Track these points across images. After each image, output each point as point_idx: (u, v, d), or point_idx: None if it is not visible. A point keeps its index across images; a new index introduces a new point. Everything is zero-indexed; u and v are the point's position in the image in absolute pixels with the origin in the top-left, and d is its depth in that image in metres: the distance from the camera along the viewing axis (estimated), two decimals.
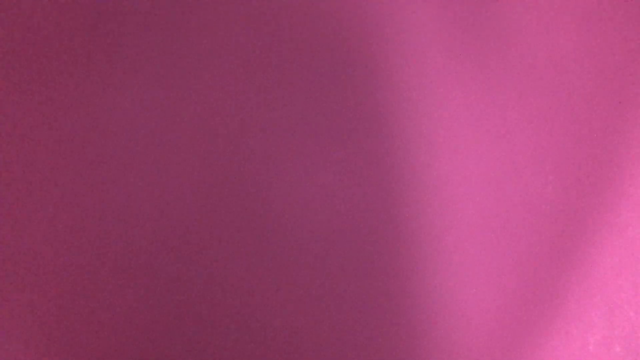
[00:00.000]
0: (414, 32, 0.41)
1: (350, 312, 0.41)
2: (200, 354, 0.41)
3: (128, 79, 0.42)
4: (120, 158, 0.42)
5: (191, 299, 0.41)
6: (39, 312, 0.41)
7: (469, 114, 0.40)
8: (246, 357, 0.41)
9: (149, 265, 0.41)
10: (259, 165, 0.41)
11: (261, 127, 0.41)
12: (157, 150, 0.42)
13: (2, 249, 0.41)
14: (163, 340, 0.41)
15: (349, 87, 0.41)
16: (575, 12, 0.40)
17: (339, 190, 0.41)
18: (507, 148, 0.40)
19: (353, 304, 0.41)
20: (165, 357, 0.41)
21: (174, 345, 0.41)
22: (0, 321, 0.39)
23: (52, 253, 0.41)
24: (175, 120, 0.42)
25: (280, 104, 0.41)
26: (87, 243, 0.41)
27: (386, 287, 0.40)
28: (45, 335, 0.40)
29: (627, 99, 0.40)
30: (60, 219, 0.41)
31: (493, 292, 0.40)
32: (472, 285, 0.40)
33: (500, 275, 0.40)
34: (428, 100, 0.41)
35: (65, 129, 0.41)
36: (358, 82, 0.41)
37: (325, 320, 0.41)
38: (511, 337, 0.39)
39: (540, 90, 0.40)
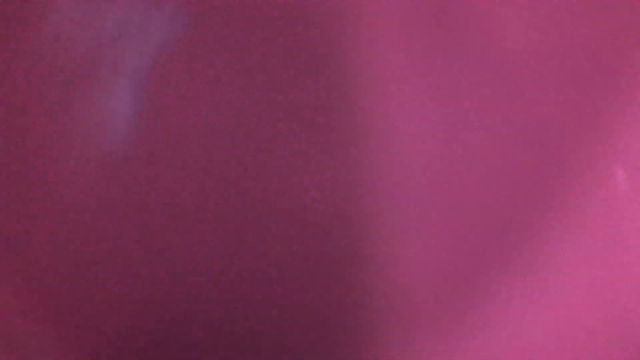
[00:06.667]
0: (380, 21, 0.41)
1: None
2: (200, 353, 0.42)
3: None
4: (121, 157, 0.42)
5: (187, 299, 0.42)
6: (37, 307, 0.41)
7: (430, 104, 0.41)
8: (241, 354, 0.41)
9: (148, 264, 0.42)
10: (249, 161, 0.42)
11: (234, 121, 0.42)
12: (153, 150, 0.43)
13: (1, 246, 0.41)
14: (163, 339, 0.42)
15: (314, 79, 0.41)
16: (549, 5, 0.41)
17: (298, 180, 0.41)
18: (464, 141, 0.41)
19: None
20: (165, 355, 0.42)
21: (174, 344, 0.42)
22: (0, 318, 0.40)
23: (52, 251, 0.42)
24: (173, 120, 0.42)
25: (249, 96, 0.42)
26: (88, 241, 0.42)
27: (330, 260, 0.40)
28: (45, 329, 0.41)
29: (596, 92, 0.40)
30: (61, 217, 0.42)
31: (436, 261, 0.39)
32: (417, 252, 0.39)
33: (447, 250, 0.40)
34: (391, 90, 0.41)
35: (65, 128, 0.42)
36: (320, 74, 0.41)
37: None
38: (456, 303, 0.39)
39: (504, 83, 0.41)
